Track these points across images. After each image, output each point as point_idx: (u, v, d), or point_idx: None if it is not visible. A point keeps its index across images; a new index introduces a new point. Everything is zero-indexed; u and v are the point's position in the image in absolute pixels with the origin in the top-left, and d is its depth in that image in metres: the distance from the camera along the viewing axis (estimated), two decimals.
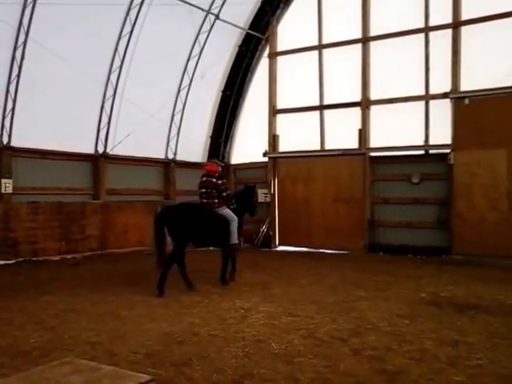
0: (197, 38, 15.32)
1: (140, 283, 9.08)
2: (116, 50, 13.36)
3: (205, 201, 8.82)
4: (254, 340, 5.59)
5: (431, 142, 13.49)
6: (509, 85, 12.18)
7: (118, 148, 13.88)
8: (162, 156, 15.67)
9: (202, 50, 15.49)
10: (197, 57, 15.48)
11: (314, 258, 13.05)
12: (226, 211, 8.83)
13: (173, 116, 15.62)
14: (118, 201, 14.04)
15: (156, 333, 5.87)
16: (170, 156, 15.80)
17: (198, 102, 16.26)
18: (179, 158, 15.98)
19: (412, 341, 5.59)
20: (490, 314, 6.82)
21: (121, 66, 13.48)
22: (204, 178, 8.95)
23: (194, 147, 16.75)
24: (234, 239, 8.85)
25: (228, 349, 5.27)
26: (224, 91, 17.08)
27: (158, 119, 14.75)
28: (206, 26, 15.29)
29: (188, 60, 15.44)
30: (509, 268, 10.73)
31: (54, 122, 12.23)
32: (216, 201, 8.74)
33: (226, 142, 17.54)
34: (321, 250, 14.51)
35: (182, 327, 6.12)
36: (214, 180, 8.76)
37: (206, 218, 8.61)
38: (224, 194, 8.82)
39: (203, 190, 8.85)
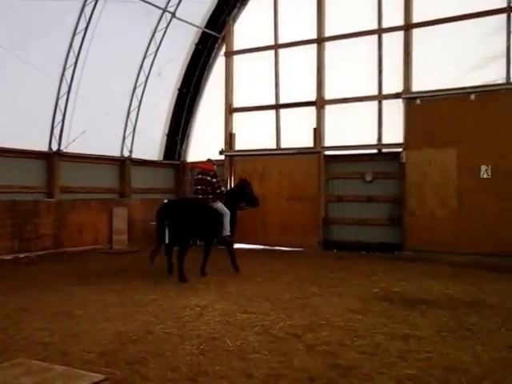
0: (153, 35, 15.13)
1: (95, 282, 8.94)
2: (71, 46, 13.06)
3: (200, 196, 9.66)
4: (210, 337, 5.60)
5: (384, 141, 13.81)
6: (458, 86, 12.61)
7: (72, 145, 13.54)
8: (117, 154, 15.43)
9: (159, 47, 15.32)
10: (153, 54, 15.30)
11: (269, 256, 13.14)
12: (220, 205, 9.67)
13: (128, 113, 15.39)
14: (73, 199, 13.74)
15: (110, 332, 5.80)
16: (126, 154, 15.55)
17: (155, 99, 16.08)
18: (135, 155, 15.74)
19: (364, 335, 5.71)
20: (439, 308, 7.04)
21: (75, 63, 13.18)
22: (199, 176, 9.85)
23: (150, 145, 16.57)
24: (227, 231, 9.69)
25: (183, 347, 5.26)
26: (180, 89, 16.96)
27: (114, 116, 14.49)
28: (163, 24, 15.14)
29: (144, 57, 15.23)
30: (458, 263, 11.12)
31: (5, 120, 11.84)
32: (210, 196, 9.61)
33: (182, 139, 17.43)
34: (276, 248, 14.63)
35: (137, 326, 6.06)
36: (209, 178, 9.68)
37: (203, 211, 9.40)
38: (218, 190, 9.70)
39: (198, 187, 9.75)
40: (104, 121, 14.01)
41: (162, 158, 17.09)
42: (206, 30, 16.33)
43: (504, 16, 12.28)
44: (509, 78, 12.24)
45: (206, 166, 10.04)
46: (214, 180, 9.70)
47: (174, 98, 17.02)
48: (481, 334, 5.72)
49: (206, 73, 17.09)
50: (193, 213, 9.28)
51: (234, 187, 10.63)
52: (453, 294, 7.91)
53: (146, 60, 15.27)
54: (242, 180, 10.87)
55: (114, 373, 4.46)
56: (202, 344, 5.35)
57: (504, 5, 12.27)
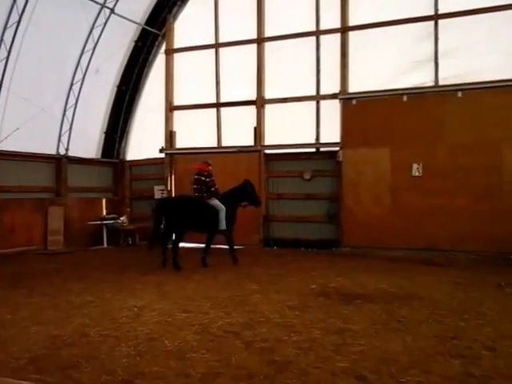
0: (91, 31, 14.75)
1: (27, 285, 8.65)
2: (1, 39, 12.52)
3: (196, 194, 10.73)
4: (147, 338, 5.55)
5: (322, 140, 14.13)
6: (392, 87, 13.08)
7: (5, 143, 13.04)
8: (53, 152, 14.95)
9: (97, 43, 14.92)
10: (91, 51, 14.90)
11: (210, 254, 13.09)
12: (215, 202, 10.63)
13: (65, 111, 14.94)
14: (5, 198, 13.20)
15: (42, 336, 5.63)
16: (62, 152, 15.10)
17: (92, 96, 15.70)
18: (72, 153, 15.32)
19: (301, 331, 5.82)
20: (373, 302, 7.26)
21: (7, 57, 12.64)
22: (196, 176, 10.86)
23: (87, 143, 16.18)
24: (223, 225, 10.61)
25: (119, 348, 5.19)
26: (119, 86, 16.64)
27: (49, 114, 14.07)
28: (101, 20, 14.76)
29: (82, 54, 14.82)
30: (392, 258, 11.53)
31: None
32: (205, 194, 10.64)
33: (121, 137, 17.13)
34: (217, 246, 14.60)
35: (72, 329, 5.92)
36: (203, 178, 10.69)
37: (198, 207, 10.51)
38: (212, 188, 10.66)
39: (195, 186, 10.79)
40: (39, 118, 13.57)
41: (100, 157, 16.72)
42: (145, 27, 16.10)
43: (432, 23, 12.87)
44: (437, 81, 12.85)
45: (202, 167, 10.93)
46: (208, 179, 10.67)
47: (113, 96, 16.69)
48: (411, 326, 5.96)
49: (146, 70, 16.86)
50: (187, 208, 10.51)
51: (236, 187, 11.47)
52: (386, 288, 8.18)
53: (83, 56, 14.87)
54: (245, 181, 11.49)
55: (45, 379, 4.34)
56: (139, 345, 5.29)
57: (432, 12, 12.85)
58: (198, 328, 5.97)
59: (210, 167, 11.02)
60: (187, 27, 16.00)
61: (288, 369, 4.64)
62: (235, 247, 11.33)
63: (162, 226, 10.87)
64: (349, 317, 6.46)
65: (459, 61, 12.63)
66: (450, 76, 12.73)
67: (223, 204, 10.71)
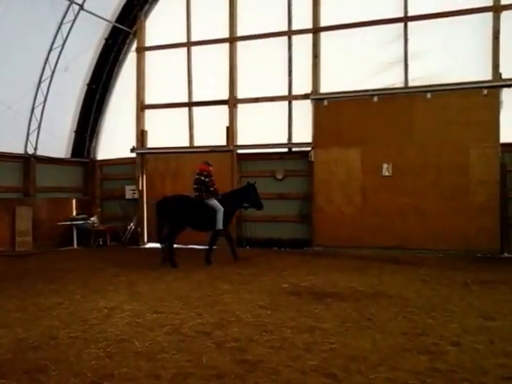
0: (59, 28, 14.50)
1: None
2: None
3: (196, 193, 11.03)
4: (117, 340, 5.50)
5: (294, 140, 14.22)
6: (363, 88, 13.24)
7: None
8: (21, 151, 14.66)
9: (66, 40, 14.68)
10: (59, 48, 14.66)
11: (182, 255, 13.03)
12: (214, 202, 10.91)
13: (33, 109, 14.67)
14: None
15: (9, 340, 5.53)
16: (30, 151, 14.83)
17: (62, 94, 15.43)
18: (40, 153, 15.05)
19: (272, 330, 5.85)
20: (344, 300, 7.35)
21: None
22: (196, 176, 11.13)
23: (57, 142, 15.90)
24: (220, 225, 10.88)
25: (88, 351, 5.13)
26: (89, 85, 16.41)
27: (17, 112, 13.78)
28: (70, 17, 14.53)
29: (50, 50, 14.56)
30: (362, 257, 11.68)
31: None
32: (204, 194, 10.91)
33: (91, 137, 16.92)
34: (190, 246, 14.57)
35: (39, 331, 5.83)
36: (203, 178, 10.95)
37: (196, 206, 10.85)
38: (211, 188, 10.92)
39: (195, 186, 11.07)
40: (5, 116, 13.29)
41: (70, 156, 16.47)
42: (116, 25, 15.91)
43: (402, 25, 13.09)
44: (406, 83, 13.07)
45: (203, 167, 11.17)
46: (207, 179, 10.92)
47: (83, 94, 16.45)
48: (380, 323, 6.06)
49: (117, 68, 16.67)
50: (185, 207, 10.88)
51: (238, 188, 12.09)
52: (356, 287, 8.28)
53: (51, 53, 14.62)
54: (248, 183, 11.73)
55: None
56: (108, 347, 5.25)
57: (402, 14, 13.07)
58: (168, 329, 5.95)
59: (211, 167, 11.26)
60: (159, 25, 15.89)
61: (259, 368, 4.66)
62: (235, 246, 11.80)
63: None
64: (320, 315, 6.52)
65: (428, 62, 12.88)
66: (419, 77, 12.97)
67: (222, 204, 10.97)
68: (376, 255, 11.91)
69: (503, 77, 12.19)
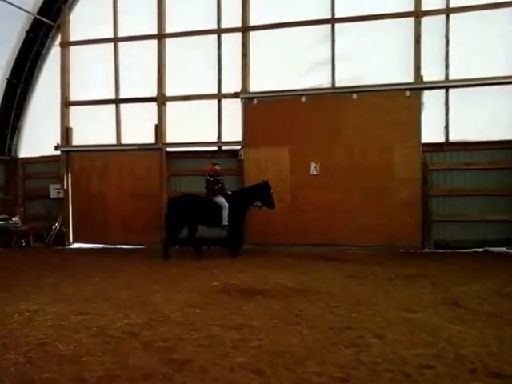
0: None
1: None
2: None
3: (205, 191, 11.94)
4: (39, 343, 5.28)
5: (224, 138, 14.21)
6: (292, 88, 13.44)
7: None
8: None
9: None
10: None
11: (110, 255, 12.76)
12: (219, 199, 11.65)
13: None
14: None
15: None
16: None
17: None
18: None
19: (201, 329, 5.82)
20: (272, 297, 7.42)
21: None
22: (206, 177, 12.01)
23: None
24: (225, 221, 11.52)
25: (8, 356, 4.89)
26: (10, 79, 15.64)
27: None
28: None
29: None
30: (291, 254, 11.83)
31: None
32: (210, 192, 11.78)
33: (12, 133, 16.15)
34: (118, 246, 14.27)
35: None
36: (208, 177, 11.86)
37: (203, 203, 11.69)
38: (216, 187, 11.69)
39: (205, 185, 11.94)
40: None
41: None
42: (38, 17, 15.23)
43: (329, 26, 13.41)
44: (334, 83, 13.41)
45: (209, 167, 12.08)
46: (212, 179, 11.75)
47: (3, 89, 15.66)
48: (307, 319, 6.18)
49: (40, 63, 15.98)
50: (193, 205, 11.71)
51: (251, 185, 12.27)
52: (285, 283, 8.38)
53: None
54: (263, 182, 11.99)
55: None
56: (30, 352, 5.02)
57: (329, 16, 13.39)
58: (94, 330, 5.78)
59: (217, 166, 12.01)
60: (84, 20, 15.32)
61: (187, 367, 4.63)
62: (237, 245, 12.12)
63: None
64: (248, 313, 6.56)
65: (355, 64, 13.26)
66: (346, 78, 13.33)
67: (231, 201, 11.62)
68: (305, 252, 12.14)
69: (424, 79, 12.79)
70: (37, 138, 15.94)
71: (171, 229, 12.02)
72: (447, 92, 12.82)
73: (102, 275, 9.53)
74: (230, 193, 11.98)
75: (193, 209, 11.73)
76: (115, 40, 15.03)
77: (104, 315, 6.47)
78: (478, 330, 5.60)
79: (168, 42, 14.62)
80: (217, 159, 13.47)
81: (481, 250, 12.36)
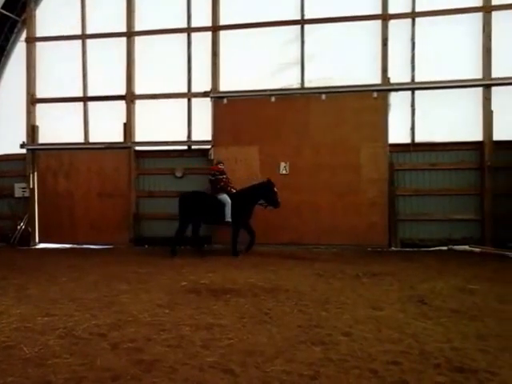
0: None
1: None
2: None
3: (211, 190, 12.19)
4: (3, 346, 5.15)
5: (194, 138, 14.16)
6: (262, 88, 13.49)
7: None
8: None
9: None
10: None
11: (77, 255, 12.56)
12: (223, 196, 11.77)
13: None
14: None
15: None
16: None
17: None
18: None
19: (170, 329, 5.79)
20: (242, 296, 7.43)
21: None
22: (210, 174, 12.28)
23: None
24: (228, 217, 11.63)
25: None
26: None
27: None
28: None
29: None
30: (260, 253, 11.86)
31: None
32: (214, 190, 11.99)
33: None
34: (85, 246, 14.07)
35: None
36: (210, 177, 12.12)
37: (209, 201, 11.86)
38: (218, 186, 11.87)
39: (210, 185, 12.20)
40: None
41: None
42: (2, 11, 14.87)
43: (299, 27, 13.51)
44: (303, 84, 13.51)
45: (213, 167, 12.38)
46: (214, 178, 11.96)
47: None
48: (276, 317, 6.21)
49: (4, 59, 15.64)
50: (201, 201, 11.90)
51: (256, 184, 12.04)
52: (255, 282, 8.41)
53: None
54: (267, 180, 11.86)
55: None
56: None
57: (298, 17, 13.49)
58: (61, 332, 5.68)
59: (220, 165, 12.22)
60: (51, 15, 15.06)
61: (156, 367, 4.60)
62: (237, 243, 11.93)
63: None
64: (218, 312, 6.54)
65: (324, 65, 13.41)
66: (315, 79, 13.45)
67: (235, 199, 11.70)
68: (274, 251, 12.21)
69: (391, 81, 13.01)
70: (1, 136, 15.56)
71: (182, 225, 12.06)
72: (413, 94, 13.08)
73: (68, 275, 9.38)
74: (234, 191, 11.98)
75: (200, 206, 11.86)
76: (83, 37, 14.81)
77: (71, 316, 6.36)
78: (442, 326, 5.75)
79: (137, 39, 14.49)
80: (188, 158, 13.48)
81: (445, 248, 12.68)
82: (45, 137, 15.14)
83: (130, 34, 14.42)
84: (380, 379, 4.27)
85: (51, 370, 4.54)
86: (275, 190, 11.79)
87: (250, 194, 11.90)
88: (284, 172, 13.24)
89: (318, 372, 4.43)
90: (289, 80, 13.62)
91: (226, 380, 4.33)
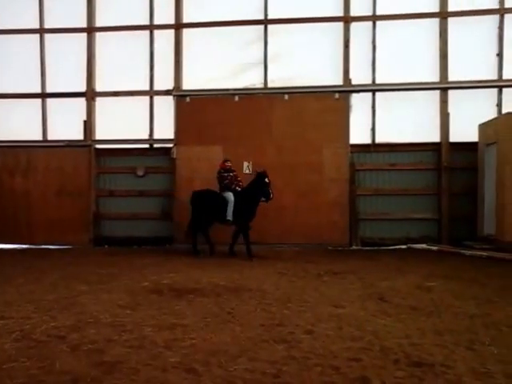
0: None
1: None
2: None
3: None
4: None
5: (156, 136, 14.03)
6: (225, 87, 13.47)
7: None
8: None
9: None
10: None
11: (35, 255, 12.24)
12: (226, 194, 11.53)
13: None
14: None
15: None
16: None
17: None
18: None
19: (132, 329, 5.70)
20: (205, 296, 7.38)
21: None
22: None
23: None
24: (229, 216, 11.39)
25: None
26: None
27: None
28: None
29: None
30: (223, 253, 11.85)
31: None
32: (219, 188, 11.81)
33: None
34: (43, 247, 13.73)
35: None
36: (217, 175, 11.79)
37: (216, 199, 11.59)
38: (222, 184, 11.63)
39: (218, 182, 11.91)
40: None
41: None
42: None
43: (262, 27, 13.57)
44: (266, 84, 13.57)
45: (220, 164, 11.96)
46: (218, 176, 11.72)
47: None
48: (240, 316, 6.20)
49: None
50: (211, 199, 11.66)
51: (252, 180, 11.59)
52: (218, 282, 8.38)
53: None
54: (258, 173, 11.46)
55: None
56: None
57: (262, 17, 13.54)
58: (17, 335, 5.51)
59: (226, 163, 11.83)
60: (8, 7, 14.63)
61: (117, 369, 4.52)
62: (237, 242, 11.81)
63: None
64: (181, 312, 6.49)
65: (287, 65, 13.51)
66: (278, 79, 13.53)
67: (238, 199, 11.42)
68: (238, 251, 12.18)
69: (353, 83, 13.21)
70: None
71: (195, 224, 11.85)
72: (374, 95, 13.32)
73: (26, 277, 9.12)
74: (239, 189, 11.65)
75: (208, 204, 11.66)
76: (41, 31, 14.45)
77: (28, 318, 6.18)
78: (401, 322, 5.87)
79: (98, 36, 14.25)
80: (150, 157, 13.38)
81: (404, 246, 12.98)
82: (1, 134, 14.69)
83: (90, 30, 14.16)
84: (342, 376, 4.33)
85: (7, 374, 4.39)
86: (266, 181, 11.32)
87: (251, 191, 11.48)
88: (247, 171, 13.25)
89: (281, 370, 4.45)
90: (252, 80, 13.66)
91: (189, 380, 4.30)
